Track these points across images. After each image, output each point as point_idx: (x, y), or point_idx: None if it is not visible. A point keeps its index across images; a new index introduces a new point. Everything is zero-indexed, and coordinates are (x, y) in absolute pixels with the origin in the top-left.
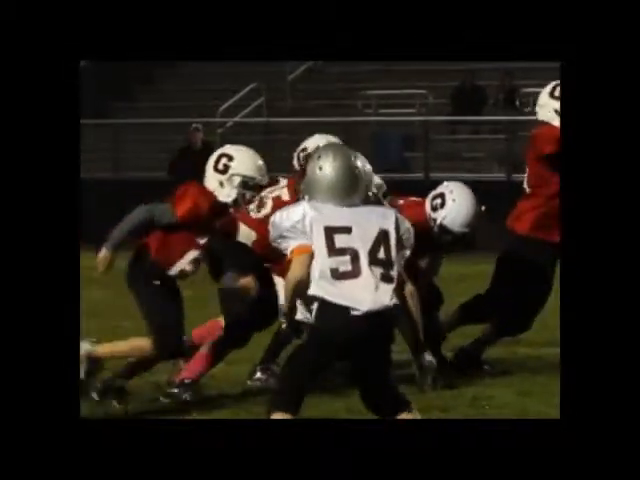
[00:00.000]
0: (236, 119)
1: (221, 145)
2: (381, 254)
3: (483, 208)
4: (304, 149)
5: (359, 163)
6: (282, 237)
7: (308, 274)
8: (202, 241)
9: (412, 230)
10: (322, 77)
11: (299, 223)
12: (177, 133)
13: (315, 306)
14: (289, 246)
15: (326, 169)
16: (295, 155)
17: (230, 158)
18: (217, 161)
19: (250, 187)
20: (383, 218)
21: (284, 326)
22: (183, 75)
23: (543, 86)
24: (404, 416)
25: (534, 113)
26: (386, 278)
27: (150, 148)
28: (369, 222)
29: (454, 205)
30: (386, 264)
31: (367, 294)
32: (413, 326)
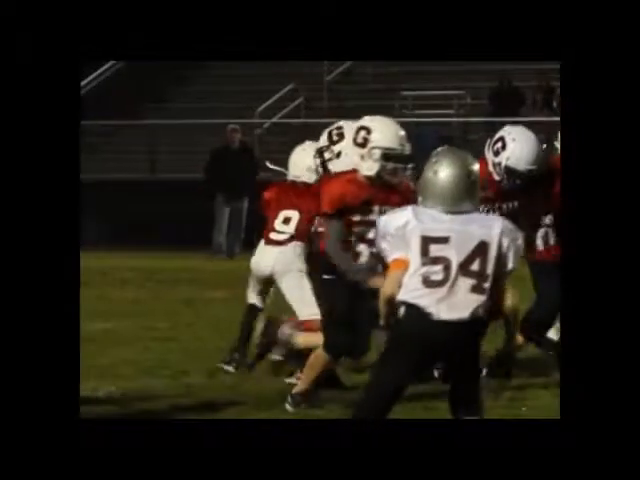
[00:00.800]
0: (274, 120)
1: (259, 146)
2: (475, 266)
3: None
4: (339, 127)
5: (475, 170)
6: (384, 243)
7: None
8: (358, 218)
9: (521, 239)
10: (359, 78)
11: (400, 230)
12: (213, 134)
13: (402, 310)
14: (389, 255)
15: (440, 174)
16: (327, 132)
17: (369, 131)
18: (356, 135)
19: (391, 158)
20: (487, 229)
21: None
22: (220, 76)
23: None
24: None
25: None
26: (477, 289)
27: (186, 149)
28: (470, 233)
29: (516, 144)
30: (479, 276)
31: (454, 304)
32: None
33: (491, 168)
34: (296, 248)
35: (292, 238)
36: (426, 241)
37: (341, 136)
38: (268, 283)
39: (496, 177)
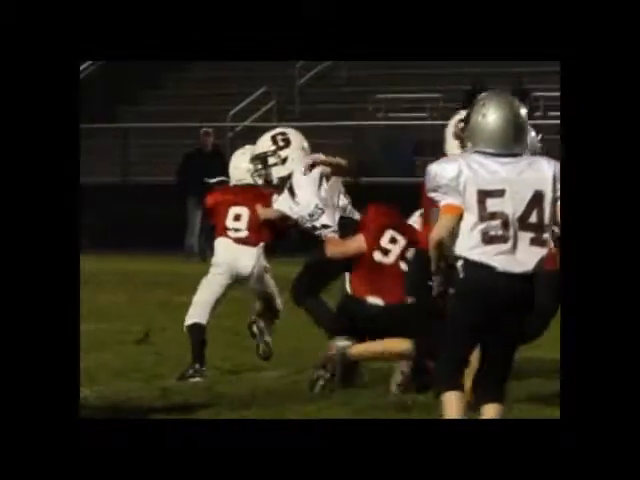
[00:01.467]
0: (246, 123)
1: (231, 149)
2: (533, 218)
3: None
4: (284, 133)
5: (523, 112)
6: (435, 191)
7: (450, 233)
8: None
9: None
10: (332, 81)
11: (453, 181)
12: (186, 137)
13: (461, 267)
14: (441, 201)
15: (489, 117)
16: (271, 137)
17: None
18: (456, 127)
19: None
20: (540, 176)
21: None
22: (193, 79)
23: (553, 90)
24: (492, 410)
25: (544, 117)
26: (537, 242)
27: (158, 152)
28: (524, 183)
29: None
30: (538, 228)
31: (514, 258)
32: None
33: None
34: (263, 247)
35: (251, 236)
36: (482, 195)
37: (287, 142)
38: (235, 283)
39: None
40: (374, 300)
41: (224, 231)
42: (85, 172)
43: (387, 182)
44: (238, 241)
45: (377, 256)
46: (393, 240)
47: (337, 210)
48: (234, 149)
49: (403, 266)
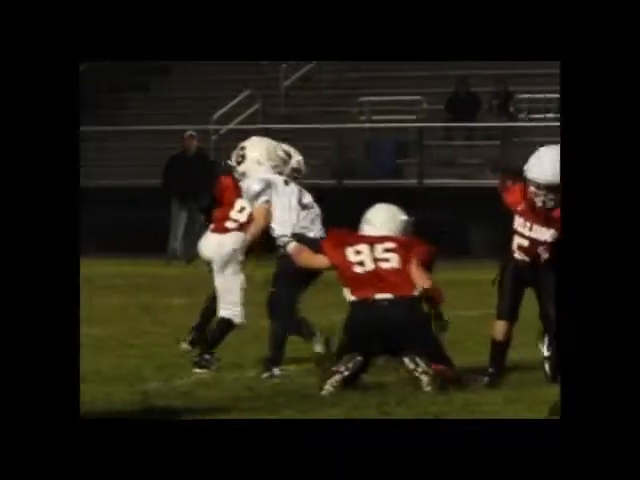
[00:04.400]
0: (230, 126)
1: (215, 152)
2: None
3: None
4: (242, 147)
5: None
6: None
7: None
8: None
9: None
10: (316, 84)
11: None
12: (169, 140)
13: None
14: None
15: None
16: (235, 152)
17: None
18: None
19: None
20: None
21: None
22: (177, 82)
23: (537, 92)
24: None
25: (528, 119)
26: None
27: (141, 155)
28: None
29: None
30: None
31: None
32: None
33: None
34: (239, 237)
35: (241, 227)
36: None
37: (243, 157)
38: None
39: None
40: (382, 295)
41: (224, 221)
42: None
43: (370, 185)
44: (214, 230)
45: (357, 269)
46: (357, 252)
47: (295, 213)
48: (218, 152)
49: (385, 264)
